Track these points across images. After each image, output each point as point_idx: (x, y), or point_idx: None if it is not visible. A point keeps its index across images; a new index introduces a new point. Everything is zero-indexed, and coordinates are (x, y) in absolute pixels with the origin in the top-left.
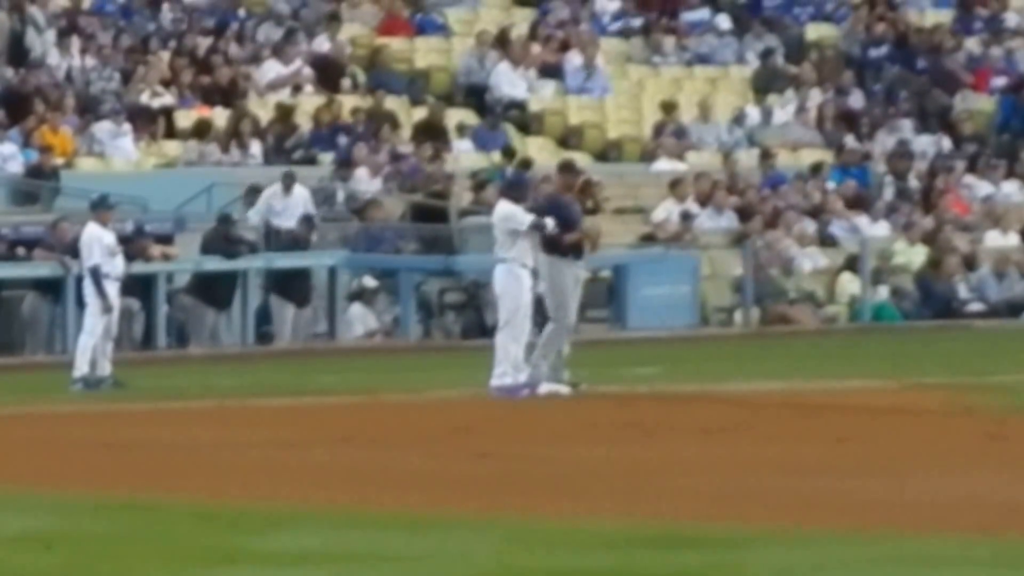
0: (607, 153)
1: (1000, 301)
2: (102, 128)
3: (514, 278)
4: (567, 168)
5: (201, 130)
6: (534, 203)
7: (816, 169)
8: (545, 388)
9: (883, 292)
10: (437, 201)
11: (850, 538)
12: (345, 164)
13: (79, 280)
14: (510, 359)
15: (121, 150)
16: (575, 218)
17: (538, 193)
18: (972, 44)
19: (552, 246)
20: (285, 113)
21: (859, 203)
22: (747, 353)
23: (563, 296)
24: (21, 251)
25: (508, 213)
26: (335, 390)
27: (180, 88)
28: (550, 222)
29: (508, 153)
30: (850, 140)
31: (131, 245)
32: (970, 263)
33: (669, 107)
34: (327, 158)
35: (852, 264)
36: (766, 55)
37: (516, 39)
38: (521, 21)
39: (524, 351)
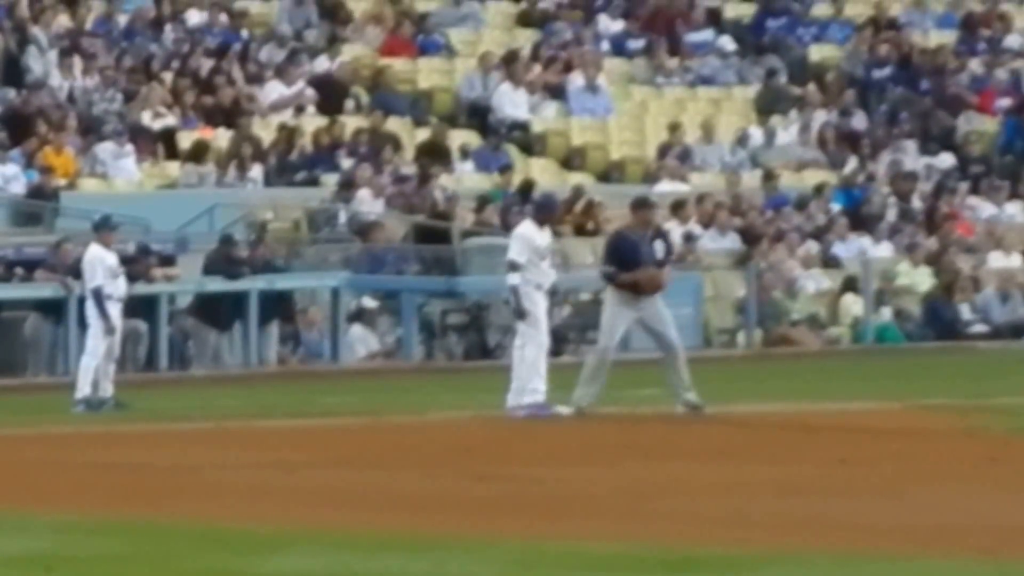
0: (610, 174)
1: (1003, 323)
2: (104, 149)
3: (529, 298)
4: (642, 204)
5: (203, 151)
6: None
7: (819, 190)
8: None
9: (886, 313)
10: (439, 222)
11: (852, 560)
12: (347, 185)
13: (81, 301)
14: (539, 374)
15: (123, 171)
16: (641, 259)
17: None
18: (975, 65)
19: (618, 284)
20: (288, 134)
21: (862, 224)
22: (750, 374)
23: (613, 325)
24: (19, 271)
25: (524, 236)
26: (337, 412)
27: (183, 109)
28: (659, 246)
29: (505, 171)
30: (853, 161)
31: (133, 266)
32: (974, 285)
33: (674, 128)
34: (329, 179)
35: (852, 285)
36: (769, 76)
37: (519, 60)
38: (524, 42)
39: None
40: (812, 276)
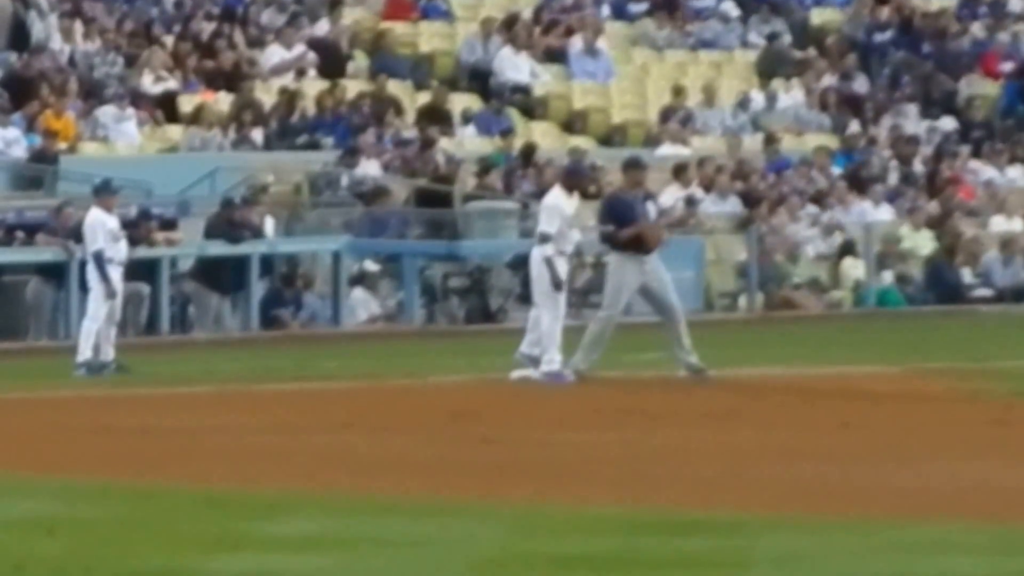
0: (611, 138)
1: (1005, 286)
2: (105, 113)
3: (541, 264)
4: (633, 165)
5: (204, 115)
6: (600, 205)
7: (820, 154)
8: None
9: (888, 277)
10: (441, 186)
11: (854, 524)
12: (349, 150)
13: (82, 265)
14: (555, 344)
15: (124, 135)
16: (637, 216)
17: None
18: (977, 29)
19: (615, 242)
20: (289, 98)
21: (862, 188)
22: (751, 338)
23: (619, 291)
24: (20, 235)
25: (554, 204)
26: (338, 375)
27: (184, 73)
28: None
29: (506, 135)
30: (854, 125)
31: (134, 230)
32: (975, 249)
33: (676, 92)
34: (330, 143)
35: (851, 249)
36: (771, 40)
37: (520, 23)
38: (525, 5)
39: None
40: (813, 239)
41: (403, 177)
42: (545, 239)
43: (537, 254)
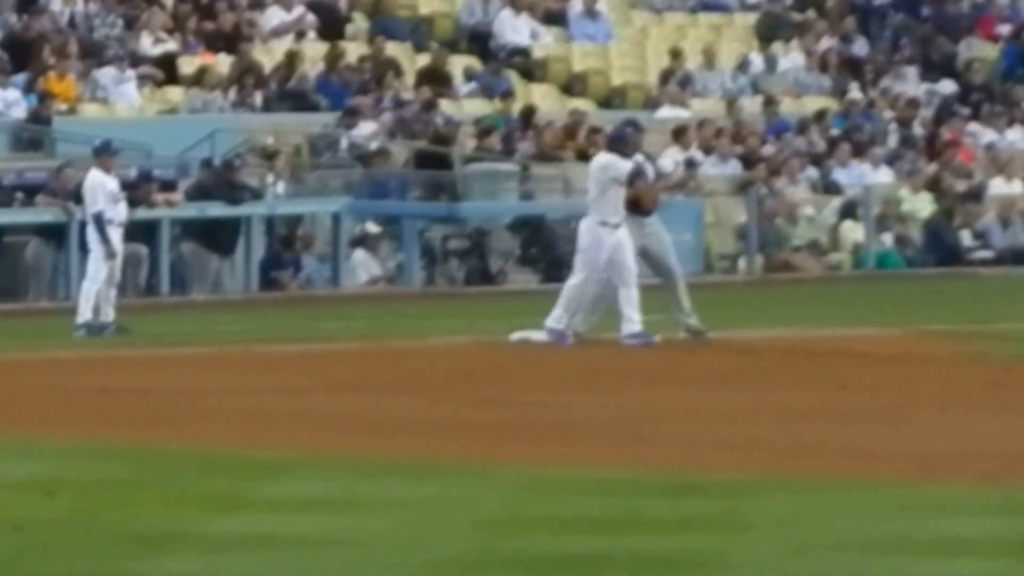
0: (611, 100)
1: (1005, 249)
2: (105, 74)
3: (594, 236)
4: (630, 127)
5: (204, 76)
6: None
7: (819, 116)
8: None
9: (887, 240)
10: (440, 148)
11: (854, 485)
12: (349, 111)
13: (82, 226)
14: (633, 306)
15: (124, 96)
16: (635, 180)
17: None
18: None
19: None
20: (289, 59)
21: (862, 151)
22: (751, 300)
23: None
24: (20, 196)
25: (608, 162)
26: (338, 336)
27: (183, 34)
28: (648, 168)
29: (506, 97)
30: (854, 87)
31: (134, 191)
32: (974, 211)
33: (676, 54)
34: (330, 105)
35: (851, 210)
36: (770, 2)
37: None
38: None
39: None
40: (813, 202)
41: (402, 139)
42: (632, 178)
43: (583, 227)
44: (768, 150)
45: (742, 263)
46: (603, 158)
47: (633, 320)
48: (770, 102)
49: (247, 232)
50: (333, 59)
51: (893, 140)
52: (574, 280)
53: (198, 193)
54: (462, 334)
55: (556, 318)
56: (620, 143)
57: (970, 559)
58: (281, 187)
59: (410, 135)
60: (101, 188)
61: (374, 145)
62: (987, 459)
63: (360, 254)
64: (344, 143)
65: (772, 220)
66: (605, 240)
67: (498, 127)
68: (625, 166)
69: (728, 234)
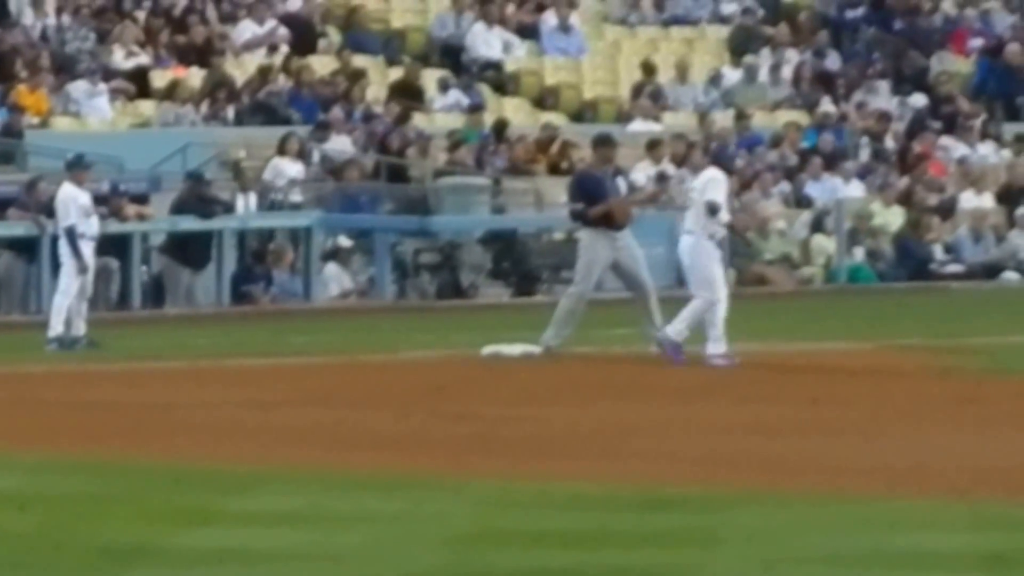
0: (583, 114)
1: (976, 263)
2: (77, 88)
3: (701, 251)
4: (602, 142)
5: (176, 90)
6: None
7: (791, 130)
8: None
9: (859, 254)
10: (400, 160)
11: (824, 500)
12: (320, 125)
13: (54, 240)
14: (718, 327)
15: (96, 110)
16: (607, 193)
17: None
18: (948, 6)
19: (585, 219)
20: (263, 73)
21: (834, 164)
22: None
23: (591, 267)
24: None
25: (710, 179)
26: (310, 350)
27: (156, 48)
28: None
29: (475, 111)
30: (826, 101)
31: (106, 205)
32: (945, 224)
33: (649, 68)
34: (301, 119)
35: (823, 224)
36: (742, 16)
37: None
38: None
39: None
40: (784, 216)
41: (373, 153)
42: (715, 209)
43: (686, 245)
44: (739, 163)
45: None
46: (707, 175)
47: (720, 340)
48: (742, 116)
49: (219, 246)
50: (305, 72)
51: (865, 154)
52: (705, 299)
53: (183, 207)
54: (433, 348)
55: (678, 332)
56: (725, 159)
57: (940, 574)
58: (245, 200)
59: (381, 149)
60: (73, 202)
61: (344, 155)
62: (957, 474)
63: (332, 268)
64: (315, 157)
65: (744, 234)
66: (713, 254)
67: (469, 140)
68: (720, 193)
69: None
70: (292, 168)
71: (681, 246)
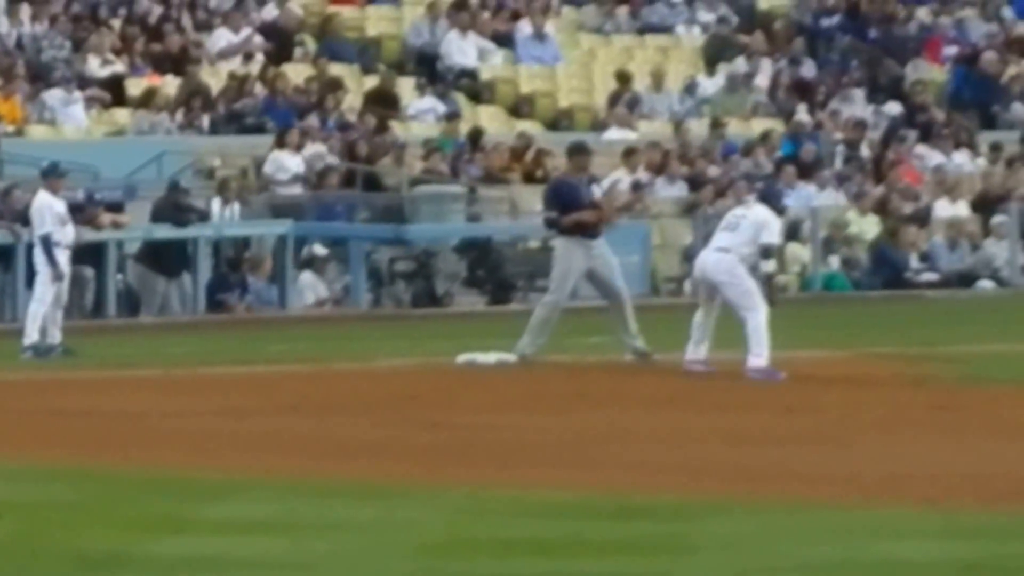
0: (558, 122)
1: (951, 271)
2: (53, 96)
3: (736, 267)
4: (577, 150)
5: (151, 98)
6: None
7: (765, 138)
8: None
9: (834, 262)
10: (371, 168)
11: (798, 508)
12: (281, 134)
13: (29, 248)
14: (763, 340)
15: (72, 118)
16: (582, 201)
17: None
18: (923, 14)
19: (560, 228)
20: (238, 82)
21: (808, 173)
22: None
23: (566, 276)
24: None
25: (767, 221)
26: (285, 359)
27: (131, 56)
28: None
29: (451, 119)
30: (801, 109)
31: (81, 213)
32: (920, 233)
33: (624, 77)
34: (276, 127)
35: (798, 232)
36: (718, 24)
37: (467, 7)
38: None
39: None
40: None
41: (350, 161)
42: (770, 253)
43: (726, 260)
44: (714, 172)
45: (688, 285)
46: (763, 214)
47: (762, 355)
48: (716, 124)
49: (194, 254)
50: (280, 80)
51: (840, 162)
52: (754, 312)
53: (160, 215)
54: (408, 356)
55: (759, 356)
56: (772, 199)
57: None
58: (230, 210)
59: (354, 157)
60: (48, 210)
61: (319, 164)
62: (931, 482)
63: (307, 276)
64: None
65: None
66: (744, 270)
67: (444, 149)
68: (778, 227)
69: (674, 256)
70: (292, 161)
71: (711, 262)
